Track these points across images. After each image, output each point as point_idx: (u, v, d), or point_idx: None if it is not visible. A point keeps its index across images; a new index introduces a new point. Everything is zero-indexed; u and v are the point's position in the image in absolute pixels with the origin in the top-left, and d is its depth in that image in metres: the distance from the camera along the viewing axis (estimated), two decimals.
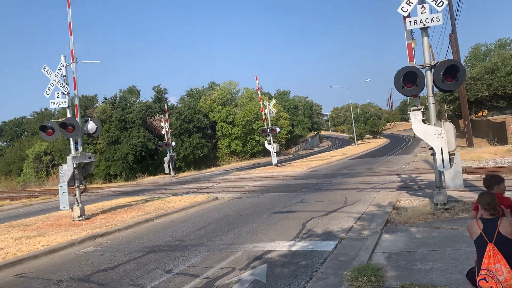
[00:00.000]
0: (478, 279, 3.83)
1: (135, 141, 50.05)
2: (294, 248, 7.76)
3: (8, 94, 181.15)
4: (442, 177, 9.94)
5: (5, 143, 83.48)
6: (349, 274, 5.75)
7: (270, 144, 34.21)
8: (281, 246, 8.00)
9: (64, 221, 13.78)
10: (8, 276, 7.86)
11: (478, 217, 4.03)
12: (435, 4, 9.43)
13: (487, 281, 3.73)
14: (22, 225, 13.78)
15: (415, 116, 9.91)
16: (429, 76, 9.82)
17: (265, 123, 35.73)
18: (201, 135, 56.27)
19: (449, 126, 9.67)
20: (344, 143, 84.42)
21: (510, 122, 31.65)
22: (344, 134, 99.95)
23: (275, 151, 34.03)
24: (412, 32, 10.07)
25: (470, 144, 29.49)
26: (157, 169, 51.15)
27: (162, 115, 44.74)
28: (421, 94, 10.49)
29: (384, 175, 19.84)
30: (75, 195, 13.85)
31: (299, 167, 30.23)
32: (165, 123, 41.49)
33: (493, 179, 4.55)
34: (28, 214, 17.50)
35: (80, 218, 13.58)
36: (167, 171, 39.88)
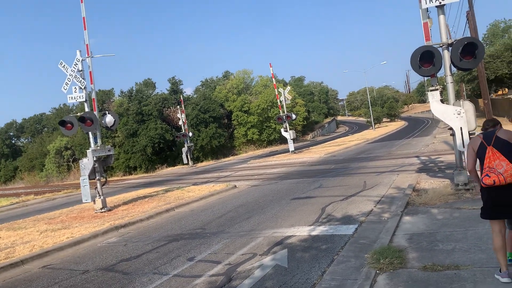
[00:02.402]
0: (481, 177, 4.32)
1: (152, 133, 50.52)
2: (314, 233, 7.78)
3: (27, 91, 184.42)
4: (463, 157, 9.78)
5: (26, 140, 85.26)
6: (370, 256, 5.74)
7: (286, 131, 34.15)
8: (301, 231, 8.03)
9: (87, 213, 14.07)
10: (36, 267, 8.09)
11: (480, 133, 4.63)
12: None
13: (489, 176, 4.23)
14: (47, 218, 14.13)
15: (433, 97, 9.75)
16: (446, 55, 9.61)
17: (280, 111, 35.63)
18: (217, 124, 56.43)
19: (468, 105, 9.50)
20: (361, 127, 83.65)
21: None
22: (361, 119, 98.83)
23: (292, 138, 33.97)
24: (428, 11, 9.86)
25: None
26: (175, 160, 51.61)
27: (178, 107, 45.07)
28: (438, 74, 10.30)
29: (403, 157, 19.64)
30: (96, 187, 14.10)
31: (316, 153, 30.13)
32: (181, 114, 41.75)
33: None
34: (52, 208, 17.91)
35: (102, 210, 13.84)
36: (185, 161, 40.25)
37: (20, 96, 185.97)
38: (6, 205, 22.87)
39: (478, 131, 9.73)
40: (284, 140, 48.98)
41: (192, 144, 42.07)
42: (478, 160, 4.54)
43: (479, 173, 4.57)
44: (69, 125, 13.93)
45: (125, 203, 15.45)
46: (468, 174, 9.95)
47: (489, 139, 4.42)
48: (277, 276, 5.73)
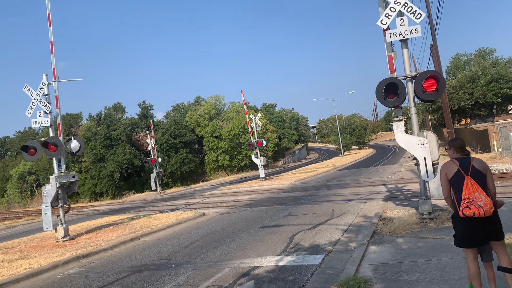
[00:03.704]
0: (461, 208, 4.34)
1: (121, 158, 49.59)
2: (281, 263, 7.69)
3: None
4: (427, 187, 10.01)
5: None
6: None
7: (257, 157, 34.19)
8: (269, 262, 7.93)
9: (48, 242, 13.49)
10: None
11: (453, 158, 4.63)
12: (413, 16, 9.60)
13: (470, 208, 4.26)
14: (4, 248, 13.45)
15: (398, 127, 10.01)
16: (410, 87, 9.94)
17: (251, 137, 35.74)
18: (188, 150, 56.03)
19: (431, 136, 9.78)
20: (331, 154, 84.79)
21: (492, 130, 32.14)
22: (331, 146, 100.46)
23: (262, 164, 34.00)
24: (392, 44, 10.22)
25: None
26: (143, 186, 50.69)
27: (148, 131, 44.55)
28: (403, 105, 10.62)
29: (371, 185, 19.93)
30: (59, 215, 13.60)
31: (286, 180, 30.21)
32: (151, 139, 41.25)
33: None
34: (11, 236, 17.10)
35: (65, 239, 13.32)
36: (153, 187, 39.54)
37: None
38: None
39: (441, 160, 10.02)
40: (255, 166, 49.00)
41: (161, 169, 41.47)
42: (451, 187, 4.53)
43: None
44: (32, 150, 13.50)
45: (88, 231, 14.94)
46: (434, 201, 10.21)
47: (466, 168, 4.43)
48: None
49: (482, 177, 4.39)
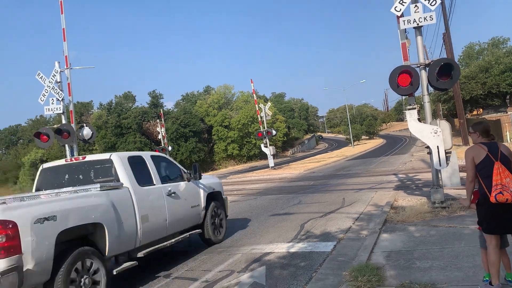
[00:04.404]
0: (493, 193, 4.20)
1: (131, 146, 49.98)
2: (292, 250, 7.73)
3: (2, 101, 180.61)
4: (439, 176, 9.95)
5: (0, 151, 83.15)
6: (348, 274, 5.72)
7: (266, 147, 34.21)
8: (280, 248, 7.97)
9: None
10: None
11: (479, 143, 4.49)
12: (428, 3, 9.45)
13: (503, 194, 4.14)
14: None
15: (411, 115, 9.91)
16: (423, 75, 9.82)
17: (261, 126, 35.74)
18: (197, 139, 56.26)
19: (444, 124, 9.69)
20: (340, 144, 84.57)
21: (505, 120, 31.81)
22: (341, 136, 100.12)
23: (272, 153, 34.04)
24: (406, 32, 10.08)
25: (466, 142, 29.56)
26: None
27: (158, 120, 44.72)
28: (416, 94, 10.51)
29: (381, 175, 19.87)
30: None
31: (296, 169, 30.23)
32: (161, 128, 41.41)
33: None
34: None
35: None
36: None
37: None
38: None
39: (454, 149, 9.94)
40: (264, 156, 49.02)
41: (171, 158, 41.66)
42: (477, 173, 4.42)
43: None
44: (44, 137, 13.62)
45: None
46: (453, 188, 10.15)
47: (495, 153, 4.32)
48: None
49: (510, 163, 4.31)
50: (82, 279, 5.36)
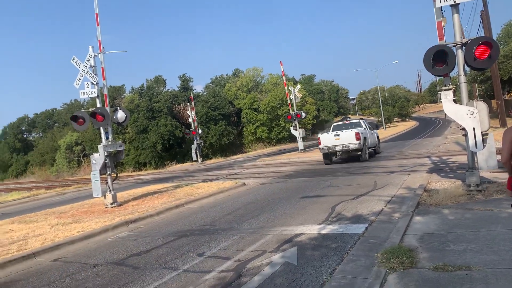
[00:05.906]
0: None
1: (163, 129, 50.82)
2: (324, 231, 7.76)
3: (39, 86, 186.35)
4: (475, 158, 9.69)
5: (38, 135, 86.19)
6: (380, 255, 5.72)
7: (296, 129, 34.09)
8: (311, 230, 8.01)
9: (97, 208, 14.19)
10: (47, 260, 8.18)
11: None
12: None
13: None
14: (57, 212, 14.28)
15: (446, 96, 9.66)
16: (460, 55, 9.51)
17: (290, 109, 35.57)
18: (226, 122, 56.57)
19: (481, 106, 9.40)
20: (372, 127, 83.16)
21: None
22: (372, 118, 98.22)
23: (301, 136, 33.91)
24: (441, 10, 9.77)
25: (504, 124, 28.57)
26: (185, 157, 51.87)
27: (188, 104, 45.19)
28: (451, 74, 10.20)
29: (414, 158, 19.51)
30: (107, 182, 14.21)
31: None
32: (191, 111, 41.89)
33: None
34: (63, 202, 18.10)
35: (113, 205, 13.95)
36: (194, 158, 40.41)
37: (32, 91, 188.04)
38: (17, 198, 23.17)
39: (491, 131, 9.64)
40: (293, 139, 48.87)
41: (201, 141, 42.21)
42: None
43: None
44: (80, 120, 14.03)
45: (135, 199, 15.56)
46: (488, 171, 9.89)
47: None
48: (287, 274, 5.73)
49: None
50: None
